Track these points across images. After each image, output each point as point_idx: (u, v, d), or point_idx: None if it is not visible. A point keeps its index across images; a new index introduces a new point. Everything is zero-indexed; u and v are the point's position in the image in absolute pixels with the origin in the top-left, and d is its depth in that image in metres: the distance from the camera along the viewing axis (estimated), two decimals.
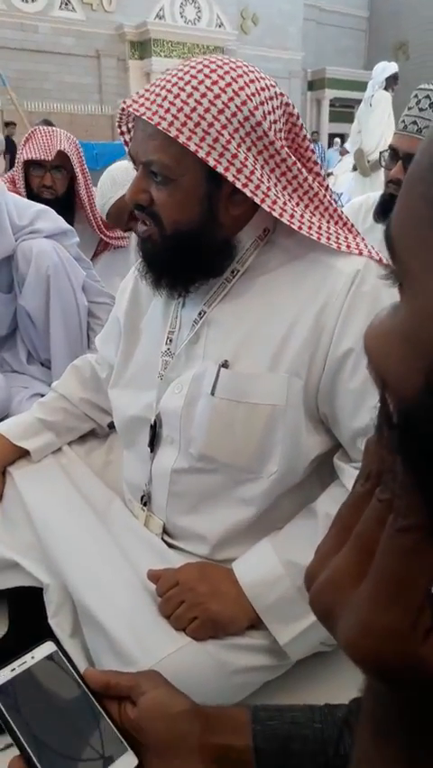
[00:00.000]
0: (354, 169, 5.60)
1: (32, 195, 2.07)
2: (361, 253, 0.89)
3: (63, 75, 18.09)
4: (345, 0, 24.87)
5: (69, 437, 1.24)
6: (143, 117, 0.80)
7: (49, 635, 0.80)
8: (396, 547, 0.26)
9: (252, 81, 0.83)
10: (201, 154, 0.79)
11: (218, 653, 0.89)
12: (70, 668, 0.73)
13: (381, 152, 1.56)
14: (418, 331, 0.25)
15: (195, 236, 0.86)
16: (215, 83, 0.81)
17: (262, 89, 0.84)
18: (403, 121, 1.46)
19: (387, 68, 5.54)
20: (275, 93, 0.86)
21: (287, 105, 0.89)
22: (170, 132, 0.78)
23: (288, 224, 0.86)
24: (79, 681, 0.72)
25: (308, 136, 0.93)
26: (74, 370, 1.27)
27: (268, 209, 0.84)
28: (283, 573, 0.89)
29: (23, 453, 1.17)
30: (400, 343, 0.26)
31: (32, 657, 0.73)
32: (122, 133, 0.96)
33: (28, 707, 0.68)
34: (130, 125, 0.94)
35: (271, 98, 0.85)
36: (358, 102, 5.82)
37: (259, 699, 0.92)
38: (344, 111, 23.53)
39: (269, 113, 0.84)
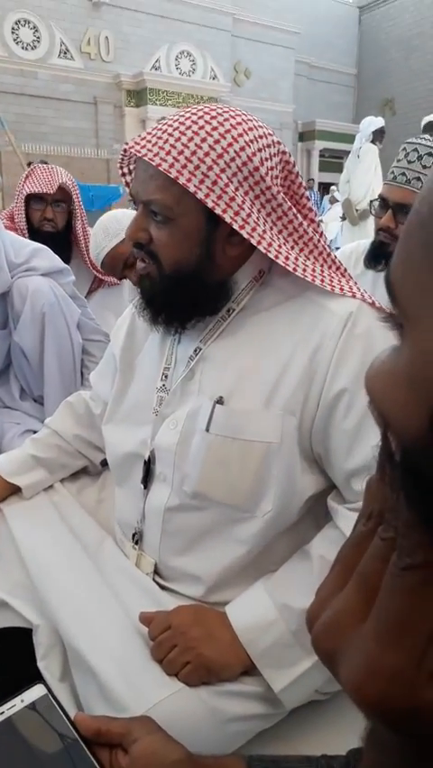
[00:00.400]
0: (344, 218, 5.77)
1: (32, 229, 2.11)
2: (354, 296, 0.90)
3: (61, 120, 18.57)
4: (334, 58, 25.96)
5: (62, 474, 1.23)
6: (145, 158, 0.83)
7: (37, 678, 0.78)
8: (400, 586, 0.25)
9: (250, 129, 0.87)
10: (200, 195, 0.82)
11: (211, 699, 0.86)
12: (61, 713, 0.71)
13: (371, 201, 1.62)
14: (420, 373, 0.25)
15: (193, 276, 0.88)
16: (215, 129, 0.84)
17: (260, 137, 0.87)
18: (393, 172, 1.52)
19: (373, 122, 5.82)
20: (272, 141, 0.89)
21: (283, 153, 0.92)
22: (170, 173, 0.81)
23: (283, 265, 0.88)
24: (70, 726, 0.70)
25: (304, 183, 0.96)
26: (68, 407, 1.26)
27: (264, 251, 0.86)
28: (278, 617, 0.88)
29: (15, 490, 1.16)
30: (402, 385, 0.26)
31: (22, 701, 0.71)
32: (123, 174, 0.98)
33: (16, 752, 0.66)
34: (131, 167, 0.97)
35: (268, 146, 0.88)
36: (347, 153, 6.06)
37: (253, 749, 0.89)
38: (333, 161, 24.31)
39: (266, 159, 0.87)
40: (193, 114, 0.86)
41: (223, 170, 0.83)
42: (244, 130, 0.86)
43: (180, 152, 0.82)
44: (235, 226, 0.84)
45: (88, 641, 0.90)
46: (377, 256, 1.57)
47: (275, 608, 0.88)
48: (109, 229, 1.81)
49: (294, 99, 23.62)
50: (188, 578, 0.98)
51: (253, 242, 0.85)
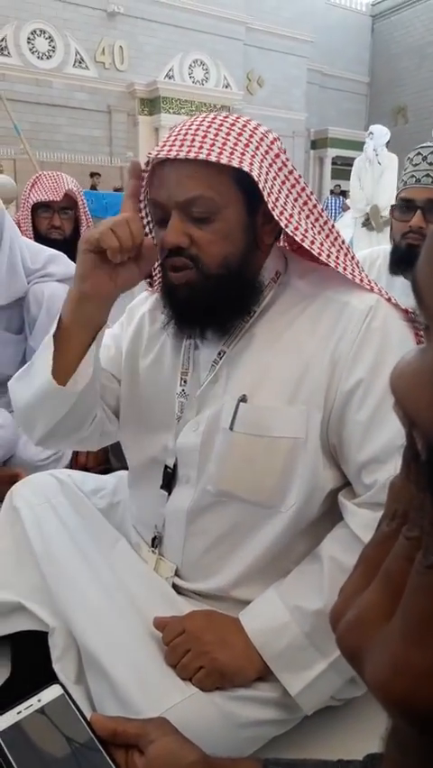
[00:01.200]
0: (364, 224, 5.82)
1: (39, 237, 2.11)
2: (372, 289, 0.91)
3: (75, 128, 18.73)
4: (347, 66, 26.01)
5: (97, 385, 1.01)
6: (180, 155, 0.82)
7: (53, 680, 0.79)
8: (426, 584, 0.25)
9: (261, 125, 0.91)
10: (252, 170, 0.82)
11: (225, 704, 0.86)
12: (77, 713, 0.72)
13: (392, 206, 1.62)
14: None
15: (241, 268, 0.88)
16: (234, 124, 0.87)
17: (271, 132, 0.91)
18: (413, 176, 1.53)
19: (385, 132, 5.97)
20: (281, 145, 0.92)
21: (290, 161, 0.93)
22: (210, 158, 0.81)
23: (308, 248, 0.88)
24: (86, 726, 0.70)
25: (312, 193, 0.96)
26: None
27: (291, 233, 0.87)
28: (290, 619, 0.88)
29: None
30: (428, 385, 0.26)
31: (39, 700, 0.72)
32: (154, 202, 0.90)
33: (33, 751, 0.67)
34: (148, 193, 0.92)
35: (281, 142, 0.91)
36: None
37: (267, 754, 0.89)
38: (345, 169, 24.27)
39: (282, 151, 0.89)
40: (207, 118, 0.88)
41: (253, 153, 0.84)
42: (257, 125, 0.90)
43: (213, 142, 0.82)
44: (270, 203, 0.84)
45: (103, 645, 0.90)
46: (403, 260, 1.57)
47: (287, 611, 0.88)
48: None
49: (306, 107, 23.68)
50: (210, 574, 0.98)
51: (282, 223, 0.86)
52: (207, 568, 0.98)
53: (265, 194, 0.83)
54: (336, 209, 11.06)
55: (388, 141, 6.01)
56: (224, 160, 0.81)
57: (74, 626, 0.95)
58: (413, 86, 24.64)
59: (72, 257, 2.02)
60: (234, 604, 0.96)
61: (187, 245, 0.86)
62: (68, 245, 2.09)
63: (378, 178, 5.92)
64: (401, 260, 1.58)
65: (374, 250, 1.80)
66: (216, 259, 0.86)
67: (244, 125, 0.87)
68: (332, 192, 12.12)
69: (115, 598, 0.97)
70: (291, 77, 23.17)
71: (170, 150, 0.83)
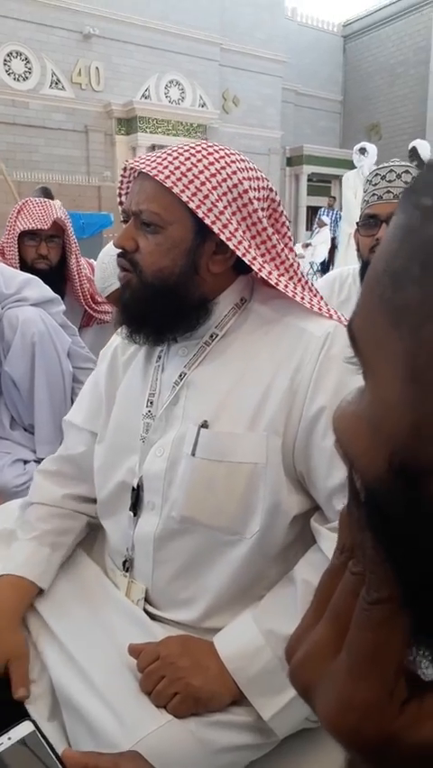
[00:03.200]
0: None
1: (25, 266, 2.09)
2: (331, 317, 0.94)
3: (52, 148, 18.79)
4: (320, 85, 26.49)
5: (68, 540, 1.11)
6: (144, 170, 0.89)
7: (25, 715, 0.78)
8: (369, 620, 0.26)
9: (241, 160, 0.94)
10: (192, 205, 0.87)
11: (201, 731, 0.86)
12: (48, 750, 0.71)
13: (357, 223, 1.66)
14: (380, 420, 0.26)
15: (174, 285, 0.92)
16: (210, 154, 0.92)
17: (250, 169, 0.94)
18: (374, 194, 1.58)
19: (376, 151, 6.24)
20: (261, 176, 0.95)
21: (271, 190, 0.97)
22: (165, 183, 0.87)
23: (266, 277, 0.91)
24: (57, 763, 0.70)
25: (287, 217, 1.00)
26: (40, 475, 1.17)
27: (249, 262, 0.90)
28: (264, 644, 0.88)
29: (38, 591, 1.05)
30: (364, 429, 0.27)
31: (9, 738, 0.71)
32: (121, 202, 1.02)
33: None
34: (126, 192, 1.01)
35: (257, 179, 0.94)
36: (335, 177, 6.37)
37: None
38: (321, 185, 24.68)
39: (254, 189, 0.92)
40: (189, 145, 0.94)
41: (214, 188, 0.89)
42: (235, 160, 0.93)
43: (177, 168, 0.89)
44: (223, 237, 0.89)
45: (76, 680, 0.90)
46: None
47: (261, 635, 0.88)
48: None
49: (282, 125, 24.04)
50: (181, 604, 0.98)
51: (239, 253, 0.89)
52: (176, 597, 0.98)
53: (216, 228, 0.88)
54: (335, 220, 11.24)
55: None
56: (175, 190, 0.87)
57: (46, 661, 0.94)
58: (386, 103, 25.16)
59: (57, 287, 2.02)
60: (208, 633, 0.96)
61: (131, 249, 0.92)
62: (53, 274, 2.08)
63: None
64: None
65: (343, 269, 1.83)
66: (150, 268, 0.91)
67: (214, 162, 0.90)
68: (330, 206, 12.31)
69: (88, 628, 0.97)
70: (266, 97, 23.52)
71: (139, 163, 0.91)
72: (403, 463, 0.25)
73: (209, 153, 0.91)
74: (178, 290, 0.92)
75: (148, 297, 0.92)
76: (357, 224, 1.66)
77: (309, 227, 20.02)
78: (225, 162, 0.91)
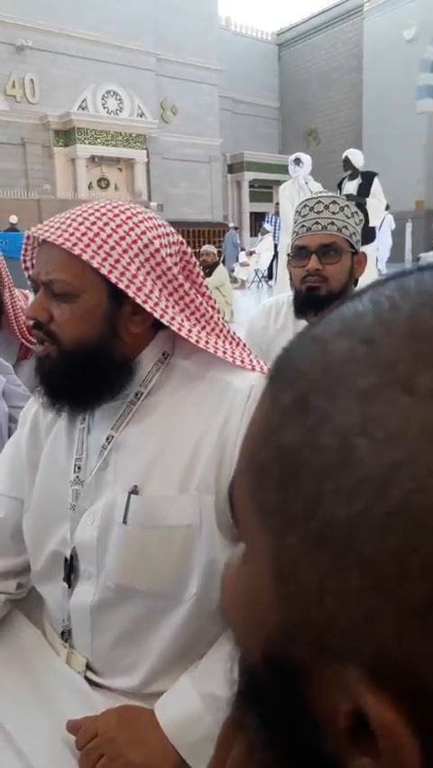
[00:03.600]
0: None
1: None
2: (253, 369, 0.94)
3: None
4: (257, 92, 26.89)
5: None
6: (49, 239, 0.85)
7: None
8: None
9: (149, 218, 0.92)
10: (103, 271, 0.84)
11: None
12: None
13: (288, 255, 1.67)
14: (253, 604, 0.25)
15: (95, 352, 0.89)
16: (116, 216, 0.89)
17: (159, 226, 0.92)
18: (303, 225, 1.59)
19: (310, 160, 6.39)
20: (170, 231, 0.93)
21: (181, 243, 0.95)
22: (73, 250, 0.83)
23: (185, 336, 0.90)
24: None
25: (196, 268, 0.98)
26: None
27: (167, 323, 0.88)
28: (203, 709, 0.86)
29: None
30: (242, 606, 0.26)
31: None
32: (26, 268, 0.98)
33: None
34: (33, 261, 0.97)
35: (167, 234, 0.92)
36: (276, 182, 6.52)
37: None
38: (262, 191, 25.05)
39: (165, 245, 0.91)
40: (96, 207, 0.90)
41: (125, 251, 0.86)
42: (143, 218, 0.90)
43: (84, 234, 0.85)
44: (139, 301, 0.86)
45: (15, 763, 0.86)
46: (308, 302, 1.62)
47: (200, 700, 0.86)
48: None
49: (221, 133, 24.29)
50: (122, 671, 0.95)
51: (157, 314, 0.87)
52: (117, 665, 0.96)
53: (130, 292, 0.86)
54: (278, 227, 11.41)
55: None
56: (85, 257, 0.84)
57: None
58: (322, 109, 25.73)
59: None
60: (151, 699, 0.93)
61: (45, 320, 0.89)
62: None
63: None
64: (304, 304, 1.63)
65: (279, 297, 1.84)
66: (69, 337, 0.88)
67: (122, 224, 0.88)
68: (277, 214, 12.52)
69: (26, 701, 0.93)
70: (204, 105, 23.71)
71: (44, 231, 0.87)
72: (275, 659, 0.24)
73: (115, 215, 0.88)
74: (99, 356, 0.89)
75: (69, 366, 0.89)
76: (288, 255, 1.67)
77: (254, 233, 20.26)
78: (133, 223, 0.88)
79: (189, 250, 0.97)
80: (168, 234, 0.92)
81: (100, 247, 0.84)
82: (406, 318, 0.24)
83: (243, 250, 13.93)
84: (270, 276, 11.31)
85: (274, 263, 10.46)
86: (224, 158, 24.73)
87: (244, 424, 0.87)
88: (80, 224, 0.86)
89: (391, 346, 0.23)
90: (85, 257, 0.83)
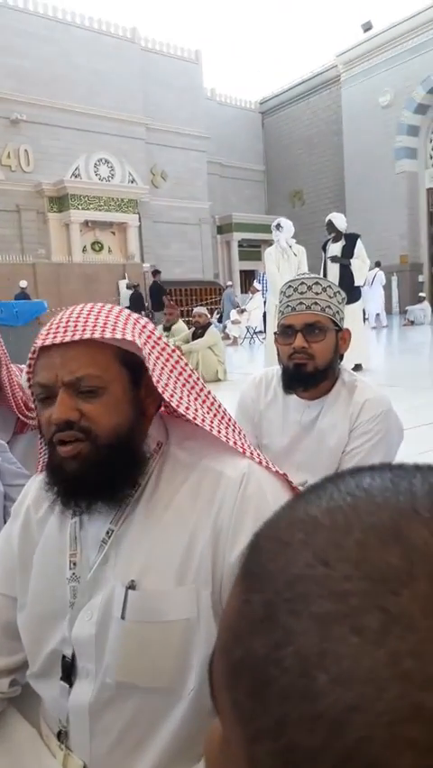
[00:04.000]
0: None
1: None
2: (244, 452, 0.96)
3: None
4: (243, 157, 27.91)
5: None
6: (66, 339, 0.86)
7: None
8: None
9: (131, 314, 0.96)
10: (139, 342, 0.87)
11: None
12: None
13: (275, 333, 1.74)
14: None
15: (129, 437, 0.90)
16: (111, 309, 0.93)
17: (150, 324, 0.97)
18: (288, 305, 1.66)
19: (292, 225, 6.62)
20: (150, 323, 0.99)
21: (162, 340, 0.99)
22: (95, 335, 0.86)
23: (191, 419, 0.92)
24: None
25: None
26: None
27: (167, 399, 0.91)
28: None
29: None
30: None
31: None
32: (30, 384, 0.95)
33: None
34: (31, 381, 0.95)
35: (151, 323, 0.97)
36: (265, 242, 6.75)
37: None
38: (251, 250, 25.68)
39: (152, 330, 0.96)
40: (86, 307, 0.93)
41: (132, 329, 0.90)
42: (129, 313, 0.95)
43: (95, 323, 0.88)
44: (154, 379, 0.88)
45: None
46: (295, 378, 1.68)
47: None
48: None
49: (209, 196, 25.07)
50: None
51: (166, 395, 0.90)
52: (117, 766, 0.94)
53: (150, 365, 0.89)
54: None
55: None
56: (107, 335, 0.86)
57: None
58: (306, 171, 26.66)
59: None
60: None
61: (77, 419, 0.87)
62: None
63: (295, 268, 6.44)
64: (292, 379, 1.68)
65: (268, 371, 1.90)
66: (107, 429, 0.88)
67: (121, 312, 0.93)
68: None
69: None
70: (193, 170, 24.56)
71: (55, 337, 0.88)
72: None
73: (110, 310, 0.93)
74: (132, 441, 0.91)
75: (104, 459, 0.88)
76: (275, 333, 1.73)
77: (244, 290, 20.64)
78: (126, 314, 0.94)
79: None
80: (151, 323, 0.98)
81: (115, 326, 0.88)
82: (355, 546, 0.25)
83: (236, 307, 14.22)
84: (265, 329, 11.49)
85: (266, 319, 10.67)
86: (213, 219, 25.44)
87: (236, 514, 0.89)
88: (86, 318, 0.89)
89: (344, 574, 0.24)
90: (107, 334, 0.86)
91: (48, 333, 0.90)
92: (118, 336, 0.87)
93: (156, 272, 16.55)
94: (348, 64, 23.41)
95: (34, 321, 5.58)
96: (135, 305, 14.49)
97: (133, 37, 22.62)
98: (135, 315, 0.95)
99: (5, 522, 1.88)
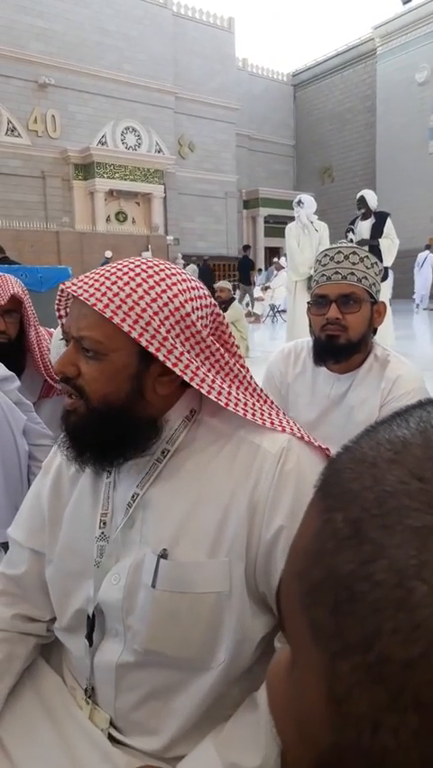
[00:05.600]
0: (309, 287, 6.19)
1: None
2: (284, 430, 0.93)
3: (9, 193, 18.85)
4: (273, 130, 27.42)
5: (15, 667, 1.04)
6: (81, 297, 0.84)
7: None
8: None
9: (183, 281, 0.91)
10: (134, 335, 0.84)
11: None
12: None
13: (308, 303, 1.69)
14: (305, 721, 0.26)
15: (121, 412, 0.89)
16: (150, 277, 0.88)
17: (192, 289, 0.91)
18: (324, 274, 1.61)
19: (314, 201, 6.48)
20: (202, 294, 0.93)
21: (214, 305, 0.95)
22: (105, 313, 0.83)
23: (215, 399, 0.89)
24: None
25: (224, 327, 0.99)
26: None
27: (196, 387, 0.88)
28: None
29: None
30: (292, 717, 0.27)
31: None
32: (60, 317, 0.99)
33: None
34: (67, 309, 0.98)
35: (199, 297, 0.91)
36: (291, 219, 6.57)
37: None
38: (277, 227, 25.34)
39: (196, 308, 0.90)
40: (128, 267, 0.89)
41: (156, 313, 0.85)
42: (176, 281, 0.89)
43: (116, 294, 0.84)
44: (169, 364, 0.85)
45: None
46: (326, 350, 1.64)
47: None
48: None
49: (237, 169, 24.72)
50: (146, 732, 0.93)
51: (186, 378, 0.87)
52: (140, 725, 0.94)
53: (161, 355, 0.85)
54: None
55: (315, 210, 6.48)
56: (116, 320, 0.83)
57: None
58: (336, 147, 26.17)
59: (17, 359, 1.98)
60: (174, 762, 0.92)
61: (74, 375, 0.88)
62: (13, 347, 2.04)
63: (316, 245, 6.31)
64: (323, 351, 1.64)
65: (298, 342, 1.85)
66: (96, 394, 0.88)
67: (155, 286, 0.87)
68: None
69: (49, 753, 0.92)
70: (221, 142, 24.20)
71: (77, 287, 0.86)
72: None
73: (149, 276, 0.88)
74: (124, 414, 0.89)
75: (94, 422, 0.89)
76: (308, 303, 1.69)
77: (268, 268, 20.46)
78: (166, 285, 0.88)
79: (221, 311, 0.98)
80: (200, 297, 0.92)
81: (131, 309, 0.84)
82: None
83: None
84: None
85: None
86: (239, 194, 25.13)
87: (274, 489, 0.87)
88: (113, 283, 0.85)
89: None
90: (116, 320, 0.83)
91: (76, 281, 0.89)
92: (116, 322, 0.83)
93: (246, 247, 16.63)
94: (385, 37, 22.78)
95: (58, 287, 5.55)
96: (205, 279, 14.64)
97: (165, 2, 22.17)
98: (172, 294, 0.90)
99: (29, 481, 1.90)
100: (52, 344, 1.85)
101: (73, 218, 19.87)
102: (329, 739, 0.25)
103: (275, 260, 12.82)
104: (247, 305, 13.23)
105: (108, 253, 14.75)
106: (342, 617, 0.25)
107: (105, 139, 20.84)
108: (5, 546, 1.25)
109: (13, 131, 19.20)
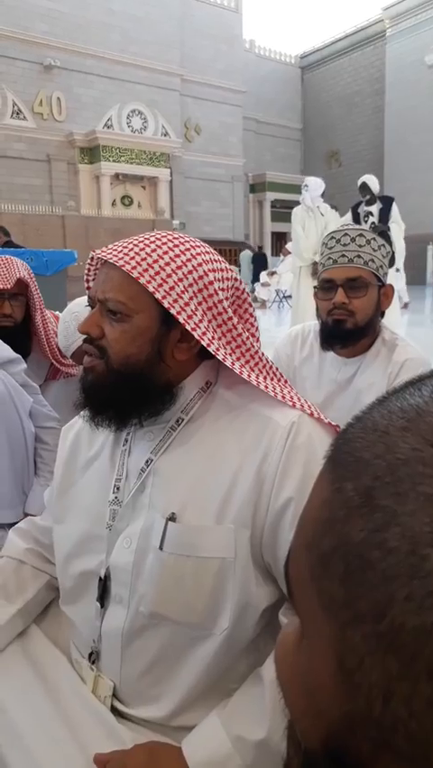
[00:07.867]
0: (314, 273, 6.07)
1: None
2: (294, 405, 0.94)
3: (14, 177, 18.77)
4: (280, 113, 27.14)
5: (26, 596, 1.13)
6: (110, 260, 0.89)
7: None
8: None
9: (207, 252, 0.95)
10: (158, 296, 0.87)
11: None
12: None
13: (315, 287, 1.68)
14: (314, 691, 0.26)
15: (140, 372, 0.92)
16: (176, 246, 0.92)
17: (215, 261, 0.95)
18: (330, 258, 1.60)
19: (322, 184, 6.29)
20: (225, 267, 0.97)
21: (235, 279, 0.98)
22: (132, 273, 0.87)
23: (230, 366, 0.91)
24: None
25: (249, 299, 1.01)
26: (14, 531, 1.21)
27: (213, 352, 0.90)
28: (232, 751, 0.86)
29: None
30: (301, 689, 0.27)
31: None
32: (88, 288, 1.01)
33: None
34: (92, 280, 1.01)
35: (222, 270, 0.95)
36: (298, 203, 6.45)
37: None
38: (284, 211, 25.17)
39: (219, 280, 0.94)
40: (156, 236, 0.94)
41: (180, 280, 0.89)
42: (201, 252, 0.94)
43: (144, 259, 0.89)
44: (188, 327, 0.88)
45: None
46: (333, 335, 1.63)
47: (229, 742, 0.86)
48: (81, 320, 1.81)
49: (244, 153, 24.52)
50: (150, 700, 0.95)
51: (204, 343, 0.89)
52: (145, 693, 0.96)
53: (181, 318, 0.88)
54: None
55: (323, 193, 6.33)
56: (142, 281, 0.87)
57: (4, 757, 0.90)
58: (344, 131, 25.90)
59: (24, 343, 1.99)
60: (178, 732, 0.93)
61: (97, 336, 0.93)
62: (19, 331, 2.05)
63: (322, 229, 6.23)
64: (330, 336, 1.64)
65: (306, 325, 1.85)
66: (118, 355, 0.92)
67: (181, 254, 0.91)
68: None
69: (52, 732, 0.93)
70: (227, 125, 23.98)
71: (107, 253, 0.91)
72: (336, 752, 0.24)
73: (175, 245, 0.92)
74: (143, 376, 0.92)
75: (113, 382, 0.92)
76: (315, 288, 1.68)
77: (275, 253, 20.35)
78: (192, 254, 0.92)
79: (243, 286, 1.00)
80: (222, 270, 0.95)
81: (157, 273, 0.88)
82: None
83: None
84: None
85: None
86: (246, 177, 24.95)
87: (283, 462, 0.88)
88: (141, 249, 0.90)
89: None
90: (142, 281, 0.87)
91: (105, 249, 0.94)
92: (142, 282, 0.88)
93: (260, 247, 16.94)
94: (395, 19, 22.44)
95: (63, 271, 5.55)
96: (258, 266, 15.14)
97: None
98: (196, 263, 0.92)
99: (36, 463, 1.91)
100: (62, 317, 1.87)
101: (79, 202, 19.78)
102: (340, 710, 0.25)
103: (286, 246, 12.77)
104: (253, 290, 13.20)
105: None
106: (353, 585, 0.24)
107: (110, 122, 20.69)
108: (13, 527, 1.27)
109: (18, 113, 19.07)
